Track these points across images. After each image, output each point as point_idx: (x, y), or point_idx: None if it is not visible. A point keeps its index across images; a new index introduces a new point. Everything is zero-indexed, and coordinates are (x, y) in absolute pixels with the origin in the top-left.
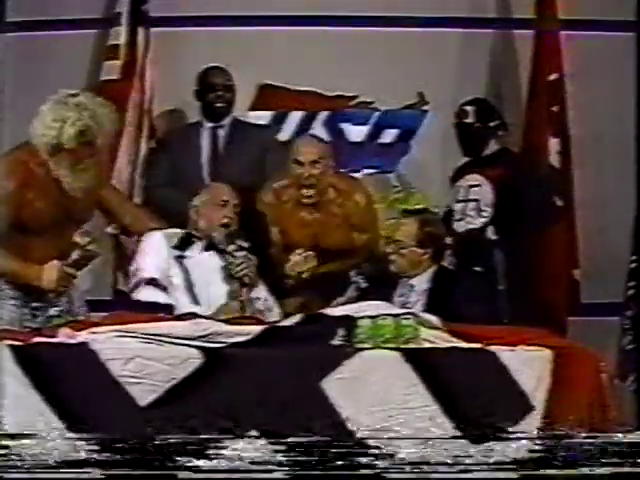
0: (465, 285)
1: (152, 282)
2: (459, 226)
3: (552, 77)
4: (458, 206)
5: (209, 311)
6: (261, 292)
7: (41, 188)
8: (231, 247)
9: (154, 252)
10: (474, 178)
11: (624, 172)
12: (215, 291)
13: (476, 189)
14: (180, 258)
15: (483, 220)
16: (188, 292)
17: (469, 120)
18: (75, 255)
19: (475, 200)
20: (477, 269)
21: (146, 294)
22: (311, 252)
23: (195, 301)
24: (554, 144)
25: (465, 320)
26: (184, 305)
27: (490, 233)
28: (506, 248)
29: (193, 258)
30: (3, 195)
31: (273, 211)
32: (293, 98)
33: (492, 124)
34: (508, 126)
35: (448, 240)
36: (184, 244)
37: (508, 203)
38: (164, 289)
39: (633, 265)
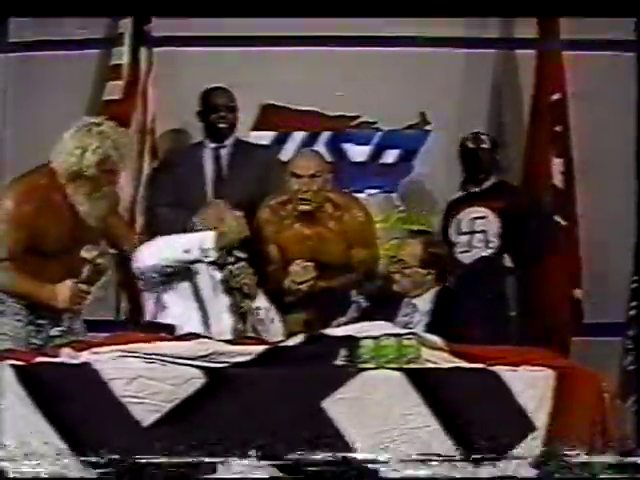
0: (468, 306)
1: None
2: (465, 257)
3: (555, 97)
4: (462, 238)
5: (217, 326)
6: (262, 302)
7: (56, 213)
8: (229, 259)
9: (164, 243)
10: (477, 210)
11: (626, 192)
12: (218, 304)
13: (482, 221)
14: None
15: (491, 251)
16: (197, 303)
17: (485, 146)
18: (86, 271)
19: (482, 232)
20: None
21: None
22: (310, 262)
23: (204, 312)
24: (557, 164)
25: (468, 340)
26: (193, 316)
27: (507, 262)
28: (516, 274)
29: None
30: (19, 218)
31: (271, 227)
32: (295, 118)
33: (498, 156)
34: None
35: (453, 268)
36: None
37: (514, 233)
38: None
39: (635, 285)
